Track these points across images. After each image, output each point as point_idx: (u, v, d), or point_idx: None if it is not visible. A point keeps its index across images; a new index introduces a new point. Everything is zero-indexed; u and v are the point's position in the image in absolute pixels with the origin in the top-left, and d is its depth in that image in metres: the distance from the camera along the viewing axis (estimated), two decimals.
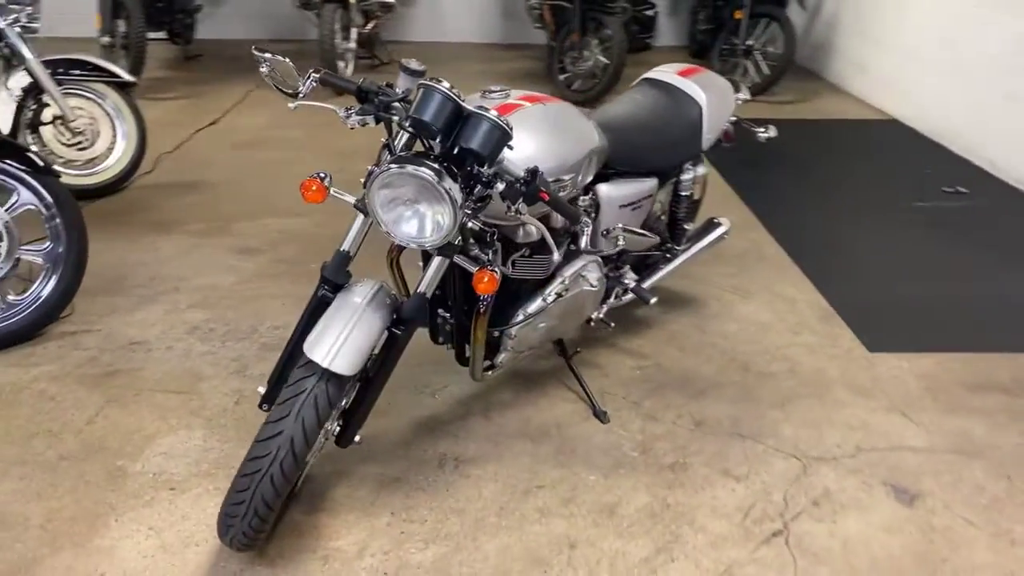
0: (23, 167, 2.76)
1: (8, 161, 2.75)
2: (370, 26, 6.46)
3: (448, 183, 1.64)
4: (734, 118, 2.84)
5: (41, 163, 2.79)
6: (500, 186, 1.71)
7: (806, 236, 3.83)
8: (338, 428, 1.96)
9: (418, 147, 1.81)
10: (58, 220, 2.80)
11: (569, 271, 2.29)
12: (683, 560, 1.97)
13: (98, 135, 3.99)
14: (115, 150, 4.06)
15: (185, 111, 5.51)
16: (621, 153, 2.33)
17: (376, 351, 1.86)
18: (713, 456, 2.33)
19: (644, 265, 2.83)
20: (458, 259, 1.82)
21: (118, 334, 2.86)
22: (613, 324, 2.62)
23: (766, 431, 2.44)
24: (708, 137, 2.61)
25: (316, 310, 1.84)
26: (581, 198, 2.29)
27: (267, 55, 1.75)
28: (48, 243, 2.81)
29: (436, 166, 1.64)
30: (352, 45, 6.07)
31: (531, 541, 2.01)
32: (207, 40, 7.49)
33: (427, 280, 1.86)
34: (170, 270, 3.33)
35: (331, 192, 1.79)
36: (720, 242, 2.91)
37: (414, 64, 1.79)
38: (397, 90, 1.79)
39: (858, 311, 3.12)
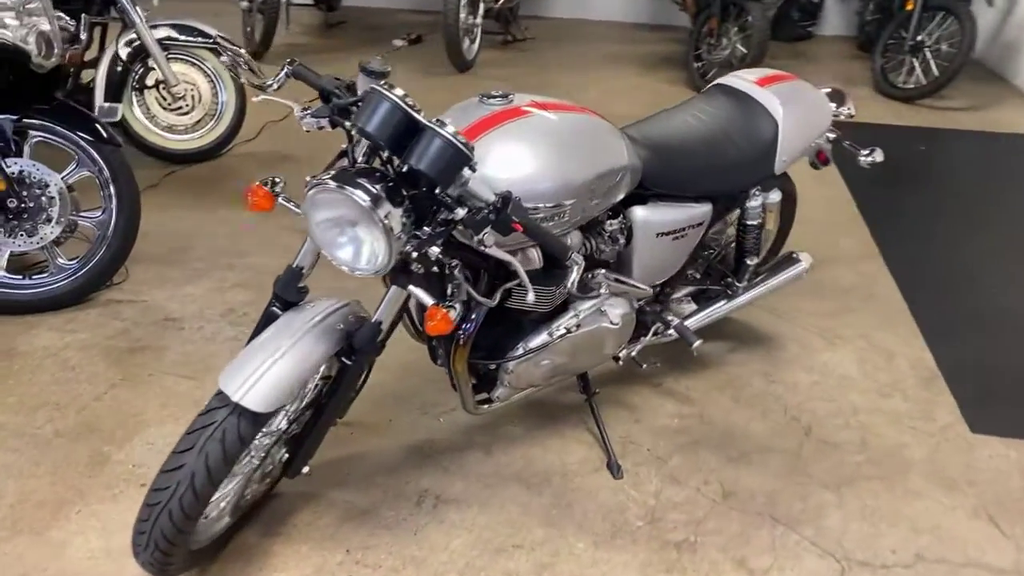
0: (87, 136, 2.77)
1: (76, 130, 2.77)
2: (502, 0, 6.23)
3: (385, 210, 1.40)
4: (832, 134, 2.40)
5: (105, 134, 2.80)
6: (460, 212, 1.46)
7: (930, 276, 3.27)
8: (285, 455, 1.79)
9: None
10: (112, 190, 2.81)
11: (586, 304, 2.00)
12: None
13: (198, 101, 4.04)
14: (214, 116, 4.09)
15: None
16: (662, 173, 2.00)
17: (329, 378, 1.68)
18: (732, 539, 1.98)
19: (704, 296, 2.46)
20: (414, 290, 1.58)
21: (157, 308, 2.85)
22: (645, 365, 2.29)
23: (807, 517, 2.05)
24: (784, 159, 2.20)
25: (262, 330, 1.66)
26: (609, 222, 1.98)
27: (229, 47, 1.57)
28: (101, 212, 2.83)
29: (375, 188, 1.42)
30: (478, 21, 5.88)
31: None
32: (353, 7, 7.56)
33: (382, 309, 1.65)
34: (232, 245, 3.31)
35: (279, 200, 1.60)
36: (796, 281, 2.49)
37: (375, 64, 1.56)
38: (359, 92, 1.57)
39: (970, 378, 2.60)
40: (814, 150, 2.40)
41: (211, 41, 3.95)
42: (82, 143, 2.77)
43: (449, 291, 1.62)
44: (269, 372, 1.50)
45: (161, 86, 3.91)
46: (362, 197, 1.39)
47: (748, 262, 2.38)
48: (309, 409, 1.76)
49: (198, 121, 4.07)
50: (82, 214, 2.86)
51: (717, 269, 2.43)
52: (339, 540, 1.93)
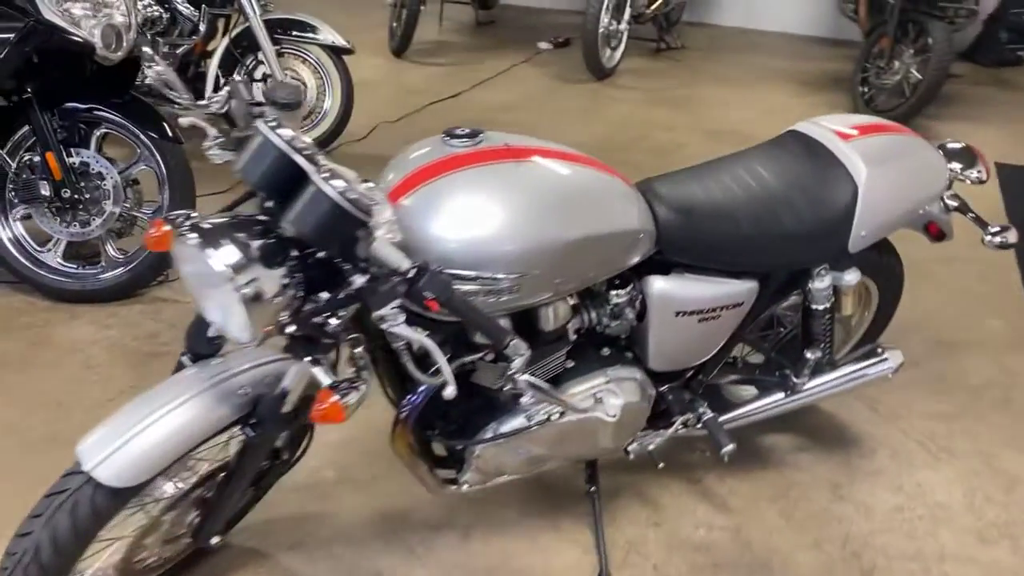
0: (152, 133, 2.74)
1: (142, 126, 2.75)
2: (655, 5, 5.80)
3: (250, 275, 1.14)
4: (953, 203, 1.89)
5: (169, 132, 2.76)
6: (359, 280, 1.18)
7: None
8: (197, 519, 1.58)
9: None
10: (167, 187, 2.77)
11: (578, 387, 1.65)
12: None
13: (304, 97, 3.98)
14: (318, 114, 4.03)
15: (438, 80, 5.40)
16: (688, 240, 1.62)
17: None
18: None
19: (760, 387, 2.02)
20: (308, 367, 1.31)
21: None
22: (663, 464, 1.89)
23: None
24: (863, 234, 1.72)
25: None
26: (616, 292, 1.62)
27: (155, 64, 1.36)
28: (156, 208, 2.80)
29: (245, 248, 1.16)
30: (623, 27, 5.49)
31: None
32: (509, 6, 7.39)
33: (288, 378, 1.39)
34: None
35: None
36: (877, 381, 1.98)
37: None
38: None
39: None
40: (922, 220, 1.89)
41: (322, 38, 3.89)
42: (144, 139, 2.74)
43: (352, 372, 1.34)
44: (133, 443, 1.29)
45: (268, 80, 3.87)
46: (218, 259, 1.14)
47: (808, 355, 1.91)
48: (222, 472, 1.54)
49: (304, 117, 4.01)
50: (142, 210, 2.84)
51: (774, 357, 1.98)
52: None
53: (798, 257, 1.73)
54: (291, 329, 1.23)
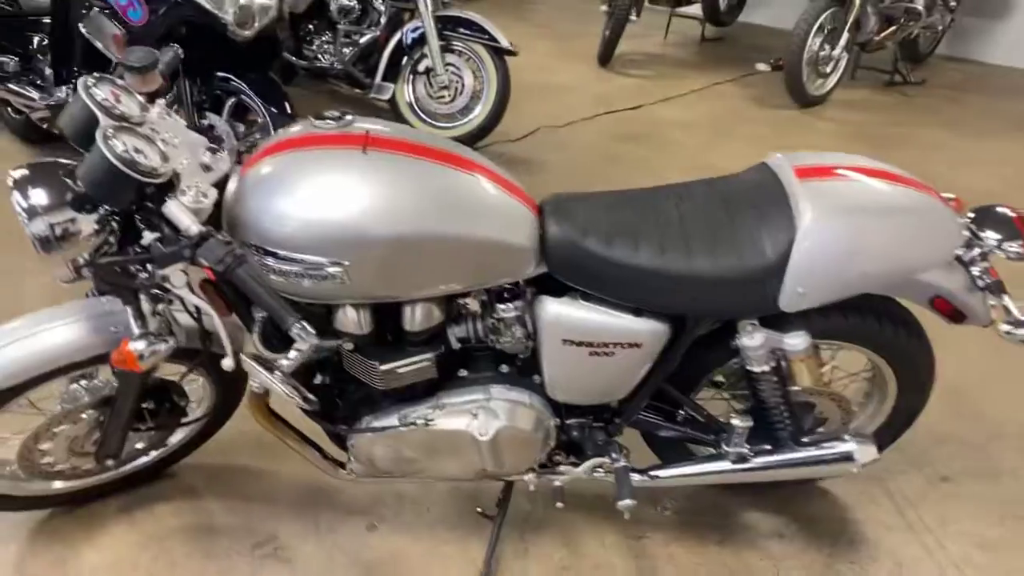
0: (273, 108, 3.05)
1: (266, 101, 3.06)
2: (886, 33, 5.22)
3: (53, 219, 1.26)
4: (984, 280, 1.53)
5: (288, 109, 3.05)
6: (149, 237, 1.26)
7: None
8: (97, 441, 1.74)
9: None
10: None
11: (455, 398, 1.60)
12: None
13: (460, 93, 4.15)
14: (471, 110, 4.17)
15: (629, 91, 5.31)
16: (579, 266, 1.48)
17: None
18: None
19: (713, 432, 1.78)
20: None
21: None
22: (561, 504, 1.75)
23: None
24: (800, 291, 1.44)
25: None
26: (502, 306, 1.54)
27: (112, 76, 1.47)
28: None
29: (57, 190, 1.28)
30: (836, 52, 5.00)
31: None
32: (750, 25, 7.06)
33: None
34: None
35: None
36: (832, 477, 1.67)
37: (132, 57, 1.37)
38: None
39: None
40: (922, 293, 1.55)
41: (488, 37, 4.02)
42: (264, 112, 3.04)
43: (154, 325, 1.41)
44: (7, 350, 1.47)
45: (430, 73, 4.09)
46: (19, 200, 1.26)
47: (736, 423, 1.65)
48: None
49: (454, 112, 4.18)
50: None
51: (714, 419, 1.73)
52: (161, 547, 1.85)
53: (712, 305, 1.49)
54: (86, 271, 1.32)
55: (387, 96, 4.14)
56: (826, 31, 4.93)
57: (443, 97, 4.14)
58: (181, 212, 1.25)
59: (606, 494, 1.89)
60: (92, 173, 1.23)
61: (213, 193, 1.32)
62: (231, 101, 3.13)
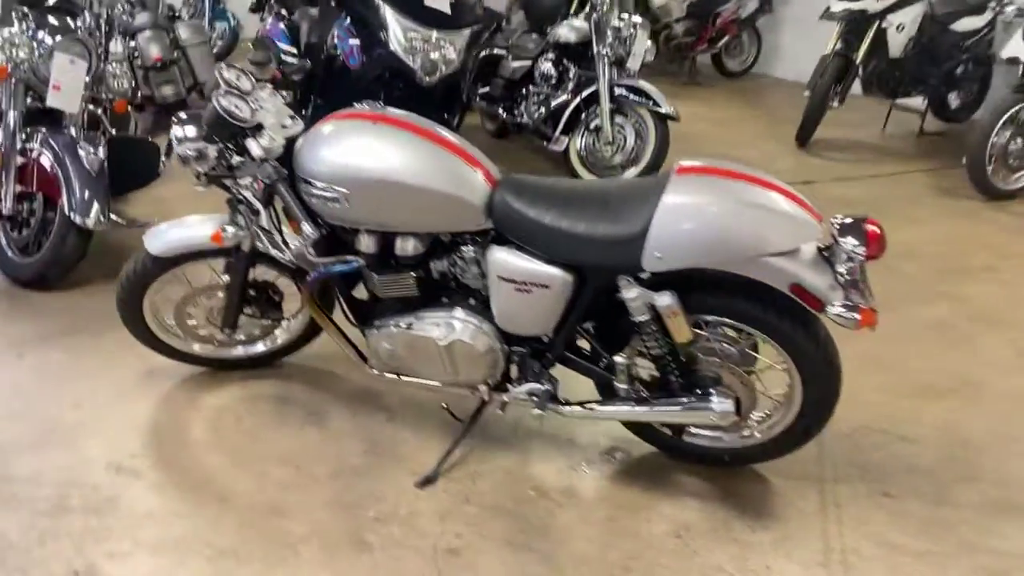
0: None
1: None
2: None
3: (190, 145, 2.12)
4: (845, 277, 1.88)
5: None
6: (237, 159, 2.09)
7: None
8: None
9: None
10: None
11: (431, 312, 2.25)
12: None
13: (621, 148, 4.79)
14: (632, 166, 4.79)
15: (809, 170, 5.50)
16: (513, 221, 2.07)
17: None
18: None
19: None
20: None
21: None
22: (461, 420, 2.35)
23: None
24: (658, 255, 1.90)
25: None
26: (465, 247, 2.18)
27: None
28: None
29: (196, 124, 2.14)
30: None
31: None
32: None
33: None
34: None
35: None
36: (701, 422, 2.02)
37: (253, 56, 2.22)
38: None
39: None
40: (778, 278, 1.91)
41: (653, 103, 4.65)
42: None
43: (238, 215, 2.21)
44: (167, 234, 2.38)
45: (599, 131, 4.79)
46: (175, 133, 2.13)
47: (618, 360, 2.09)
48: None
49: (613, 166, 4.82)
50: None
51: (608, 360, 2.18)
52: (254, 406, 2.66)
53: (597, 260, 1.99)
54: (203, 180, 2.16)
55: (561, 148, 4.89)
56: (1019, 123, 4.85)
57: (606, 151, 4.79)
58: (254, 146, 2.06)
59: (570, 433, 2.41)
60: (208, 117, 2.08)
61: (281, 139, 2.12)
62: None
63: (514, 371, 2.29)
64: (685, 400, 2.11)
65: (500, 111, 5.38)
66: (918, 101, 6.54)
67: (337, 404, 2.66)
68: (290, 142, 2.18)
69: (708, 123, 6.68)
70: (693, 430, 2.28)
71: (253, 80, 2.20)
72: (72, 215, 3.17)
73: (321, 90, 4.14)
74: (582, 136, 4.88)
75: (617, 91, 4.67)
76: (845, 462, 2.44)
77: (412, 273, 2.20)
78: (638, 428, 2.35)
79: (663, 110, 4.63)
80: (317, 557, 2.03)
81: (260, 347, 2.77)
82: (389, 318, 2.29)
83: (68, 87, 3.38)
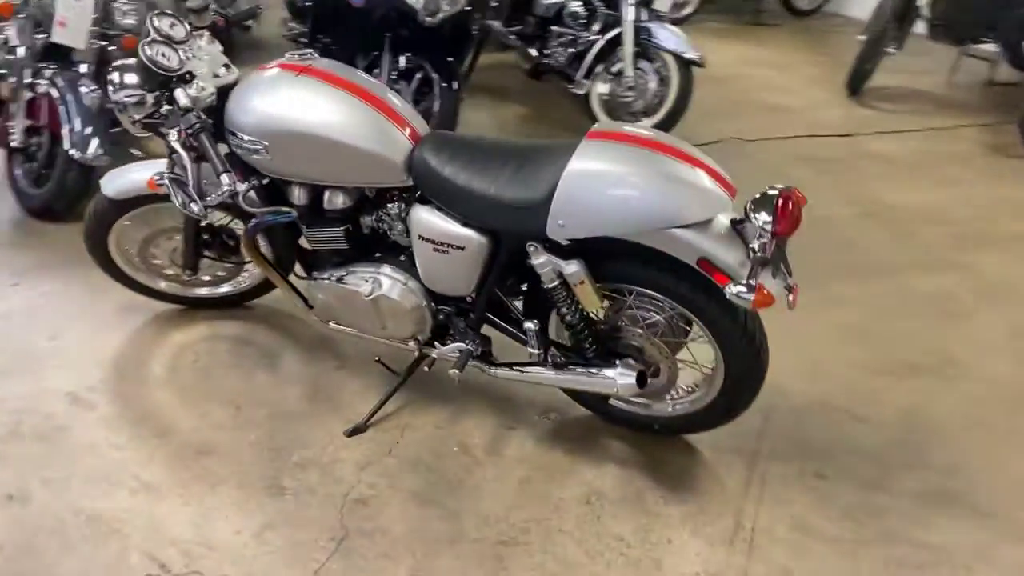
0: (444, 83, 3.89)
1: (441, 77, 3.92)
2: None
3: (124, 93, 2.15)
4: (757, 254, 1.79)
5: (456, 86, 3.87)
6: (165, 108, 2.12)
7: None
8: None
9: None
10: (434, 119, 3.89)
11: (360, 267, 2.26)
12: None
13: (641, 95, 4.63)
14: (648, 112, 4.62)
15: (856, 121, 5.22)
16: (431, 181, 2.04)
17: None
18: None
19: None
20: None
21: None
22: (397, 372, 2.35)
23: None
24: (561, 223, 1.84)
25: None
26: (389, 205, 2.18)
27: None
28: None
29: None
30: None
31: None
32: None
33: None
34: None
35: None
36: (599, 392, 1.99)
37: (190, 3, 2.21)
38: None
39: None
40: (690, 254, 1.84)
41: (673, 48, 4.46)
42: (437, 86, 3.88)
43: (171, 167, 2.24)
44: (121, 176, 2.45)
45: (621, 75, 4.63)
46: (112, 80, 2.16)
47: (528, 326, 2.07)
48: None
49: (634, 112, 4.66)
50: None
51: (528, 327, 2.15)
52: (213, 345, 2.76)
53: (506, 224, 1.94)
54: (138, 127, 2.19)
55: (583, 91, 4.75)
56: None
57: (628, 97, 4.63)
58: (182, 95, 2.07)
59: (511, 393, 2.42)
60: (138, 66, 2.11)
61: (211, 88, 2.13)
62: (418, 75, 4.01)
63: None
64: (590, 369, 2.08)
65: (532, 51, 5.24)
66: (992, 48, 6.06)
67: (293, 349, 2.73)
68: (225, 92, 2.19)
69: (760, 66, 6.37)
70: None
71: (188, 28, 2.21)
72: (71, 150, 3.29)
73: (326, 30, 4.12)
74: (605, 80, 4.72)
75: (640, 33, 4.48)
76: (787, 438, 2.37)
77: (341, 227, 2.21)
78: (572, 391, 2.33)
79: (687, 55, 4.43)
80: (231, 497, 2.12)
81: (224, 288, 2.85)
82: (325, 270, 2.32)
83: (74, 23, 3.46)
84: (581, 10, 4.96)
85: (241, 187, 2.04)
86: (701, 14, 7.62)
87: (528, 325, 2.10)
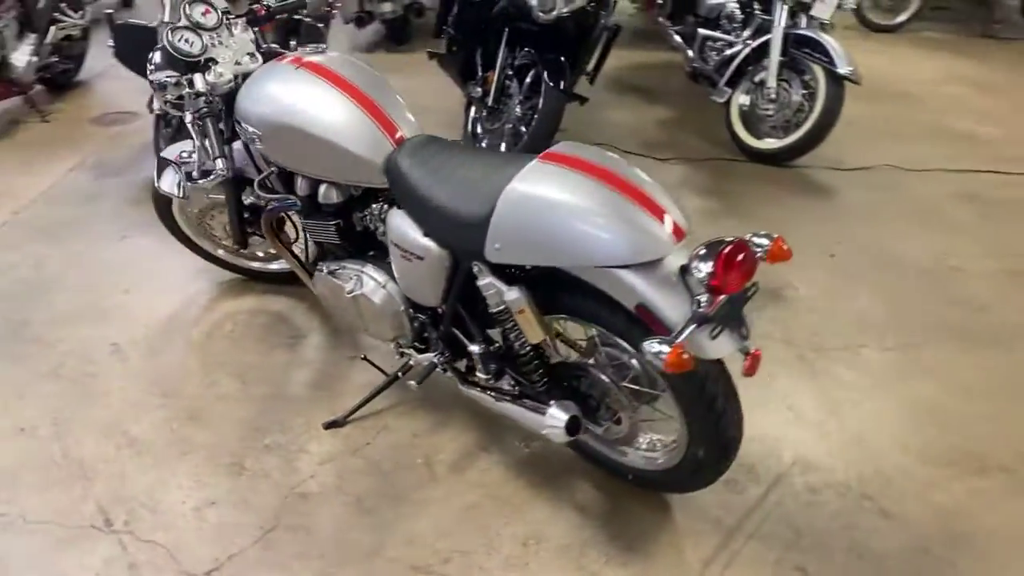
0: (550, 82, 3.81)
1: (551, 78, 3.83)
2: None
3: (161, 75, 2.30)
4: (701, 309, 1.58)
5: (562, 87, 3.77)
6: (185, 91, 2.25)
7: None
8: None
9: None
10: (535, 120, 3.81)
11: (349, 263, 2.27)
12: None
13: (784, 108, 4.23)
14: (795, 129, 4.21)
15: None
16: (399, 189, 1.99)
17: None
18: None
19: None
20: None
21: None
22: (386, 372, 2.31)
23: None
24: (497, 246, 1.70)
25: None
26: (373, 205, 2.17)
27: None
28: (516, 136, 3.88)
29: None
30: None
31: None
32: None
33: None
34: None
35: None
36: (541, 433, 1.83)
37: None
38: None
39: None
40: (629, 298, 1.63)
41: (827, 61, 4.04)
42: (544, 85, 3.80)
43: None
44: (174, 148, 2.62)
45: (762, 85, 4.27)
46: (155, 57, 2.31)
47: (472, 348, 1.94)
48: None
49: (773, 127, 4.28)
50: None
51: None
52: (253, 320, 2.91)
53: (451, 237, 1.83)
54: (166, 106, 2.32)
55: (722, 99, 4.44)
56: None
57: (768, 110, 4.26)
58: (199, 80, 2.17)
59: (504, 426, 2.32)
60: (162, 50, 2.23)
61: (228, 76, 2.21)
62: (532, 72, 3.93)
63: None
64: (525, 403, 1.93)
65: (689, 52, 4.98)
66: None
67: (319, 334, 2.79)
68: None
69: (964, 85, 5.57)
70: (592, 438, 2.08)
71: (221, 15, 2.30)
72: None
73: (451, 21, 4.14)
74: (747, 90, 4.38)
75: (789, 42, 4.10)
76: (782, 519, 2.06)
77: (333, 221, 2.22)
78: None
79: (839, 70, 3.97)
80: (195, 468, 2.22)
81: (275, 266, 2.97)
82: (324, 262, 2.34)
83: None
84: (737, 12, 4.63)
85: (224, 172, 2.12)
86: (922, 21, 6.84)
87: (473, 348, 1.98)
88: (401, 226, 1.99)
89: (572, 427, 1.85)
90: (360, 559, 1.95)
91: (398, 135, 2.04)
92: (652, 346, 1.51)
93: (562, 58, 3.88)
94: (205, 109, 2.15)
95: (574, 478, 2.19)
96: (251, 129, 2.15)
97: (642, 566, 1.94)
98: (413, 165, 1.94)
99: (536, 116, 3.80)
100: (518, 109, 3.97)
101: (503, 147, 4.00)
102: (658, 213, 1.61)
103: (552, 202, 1.64)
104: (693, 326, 1.54)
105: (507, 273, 1.83)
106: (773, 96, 4.18)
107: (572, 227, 1.61)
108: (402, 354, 2.29)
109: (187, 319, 2.87)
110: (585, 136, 4.47)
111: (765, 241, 1.63)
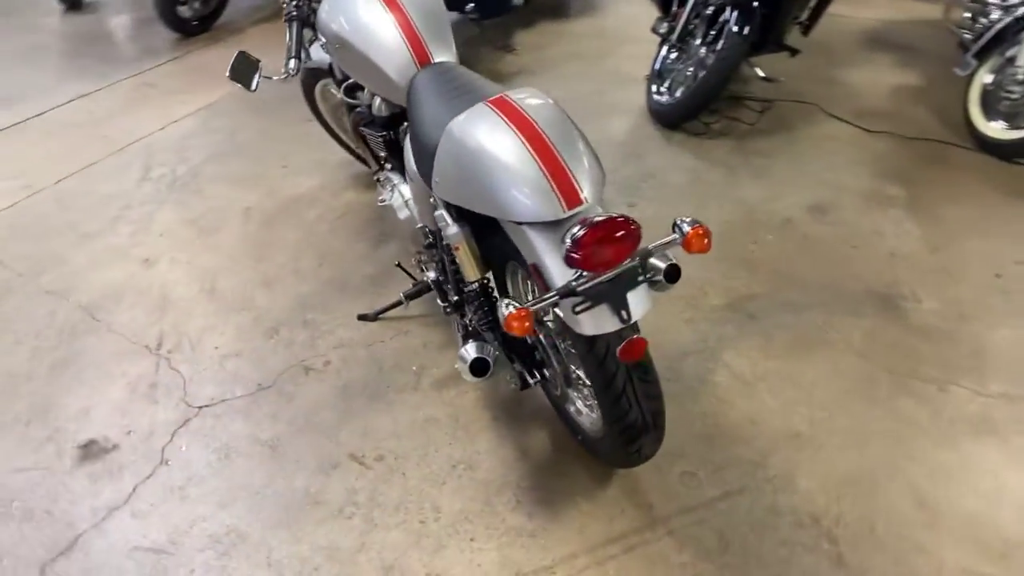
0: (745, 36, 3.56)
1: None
2: None
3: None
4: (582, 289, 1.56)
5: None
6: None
7: None
8: None
9: None
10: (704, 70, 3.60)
11: (396, 175, 2.45)
12: None
13: None
14: None
15: None
16: (410, 112, 2.07)
17: None
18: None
19: None
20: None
21: None
22: (415, 278, 2.42)
23: None
24: (438, 180, 1.73)
25: None
26: (405, 123, 2.31)
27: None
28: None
29: None
30: None
31: None
32: None
33: None
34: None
35: None
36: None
37: None
38: None
39: None
40: (530, 254, 1.61)
41: None
42: (728, 32, 3.55)
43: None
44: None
45: (1012, 62, 3.60)
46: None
47: (426, 274, 2.00)
48: None
49: (1016, 112, 3.60)
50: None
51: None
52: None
53: (421, 165, 1.89)
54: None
55: (964, 72, 3.81)
56: None
57: (1013, 94, 3.58)
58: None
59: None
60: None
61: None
62: (723, 15, 3.66)
63: None
64: (462, 336, 1.97)
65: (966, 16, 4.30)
66: None
67: (405, 238, 3.00)
68: None
69: None
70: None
71: None
72: None
73: None
74: (994, 67, 3.70)
75: None
76: (717, 529, 1.92)
77: (381, 132, 2.38)
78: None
79: None
80: (242, 324, 2.59)
81: None
82: (386, 169, 2.53)
83: None
84: None
85: (293, 70, 2.35)
86: None
87: (429, 274, 2.06)
88: (407, 147, 2.09)
89: (477, 368, 1.87)
90: (315, 433, 2.19)
91: (425, 57, 2.11)
92: (503, 304, 1.50)
93: (756, 2, 3.56)
94: (294, 12, 2.40)
95: (536, 426, 2.20)
96: (323, 40, 2.36)
97: (543, 522, 1.94)
98: (423, 89, 2.01)
99: (711, 62, 3.57)
100: (702, 51, 3.75)
101: (679, 92, 3.83)
102: (559, 176, 1.54)
103: (470, 148, 1.63)
104: (555, 296, 1.49)
105: (459, 209, 1.86)
106: (1020, 78, 3.49)
107: (482, 176, 1.60)
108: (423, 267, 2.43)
109: (311, 200, 3.25)
110: (797, 92, 4.09)
111: (686, 227, 1.50)
